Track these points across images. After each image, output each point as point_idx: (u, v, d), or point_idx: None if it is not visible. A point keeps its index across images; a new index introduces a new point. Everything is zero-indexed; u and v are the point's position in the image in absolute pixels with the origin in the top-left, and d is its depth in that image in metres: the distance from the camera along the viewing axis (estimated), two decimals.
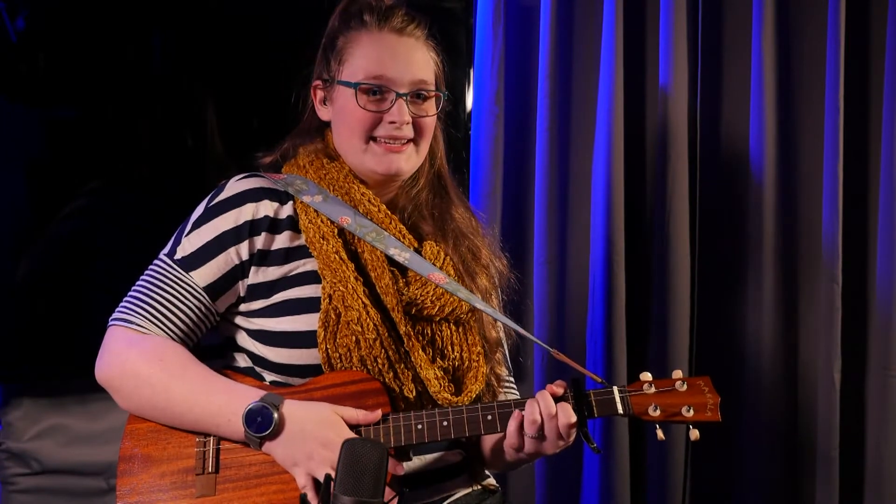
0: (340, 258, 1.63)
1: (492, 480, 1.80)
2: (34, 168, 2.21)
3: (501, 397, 1.80)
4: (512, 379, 1.88)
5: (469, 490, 1.75)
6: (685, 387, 1.58)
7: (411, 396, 1.62)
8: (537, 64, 2.61)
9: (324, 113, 1.77)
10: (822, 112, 2.48)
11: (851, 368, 2.48)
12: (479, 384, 1.70)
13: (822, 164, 2.47)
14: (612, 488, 2.57)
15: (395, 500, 1.42)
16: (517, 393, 1.89)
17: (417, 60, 1.71)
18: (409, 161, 1.71)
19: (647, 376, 1.60)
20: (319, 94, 1.77)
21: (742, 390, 2.57)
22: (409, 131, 1.69)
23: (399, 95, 1.67)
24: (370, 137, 1.69)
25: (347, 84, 1.69)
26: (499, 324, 1.79)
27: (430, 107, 1.73)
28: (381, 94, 1.68)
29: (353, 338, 1.59)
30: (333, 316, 1.60)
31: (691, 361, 2.60)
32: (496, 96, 2.61)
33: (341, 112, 1.72)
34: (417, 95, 1.70)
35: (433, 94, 1.72)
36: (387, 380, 1.61)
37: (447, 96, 1.77)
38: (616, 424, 2.57)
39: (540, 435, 1.57)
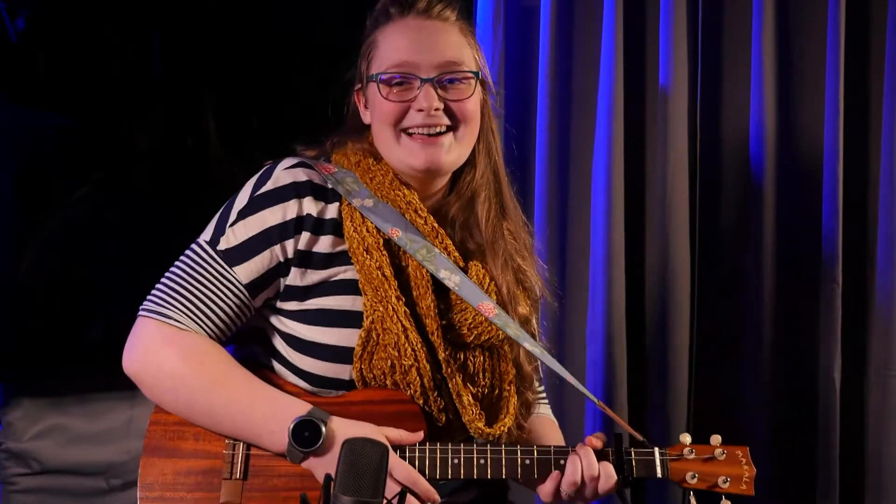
0: (383, 275, 1.55)
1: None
2: (33, 168, 2.21)
3: (535, 410, 1.76)
4: (542, 388, 1.85)
5: (475, 494, 1.72)
6: (724, 455, 1.57)
7: (440, 423, 1.58)
8: (537, 64, 2.61)
9: (366, 116, 1.69)
10: (822, 112, 2.47)
11: (851, 368, 2.48)
12: (511, 418, 1.63)
13: (822, 164, 2.47)
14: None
15: (396, 500, 1.42)
16: (547, 404, 1.85)
17: (445, 42, 1.61)
18: (451, 153, 1.62)
19: (686, 439, 1.58)
20: (361, 98, 1.70)
21: (742, 390, 2.57)
22: (442, 118, 1.59)
23: (424, 81, 1.58)
24: (402, 130, 1.61)
25: (371, 78, 1.62)
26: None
27: (465, 90, 1.62)
28: (407, 83, 1.59)
29: (389, 362, 1.54)
30: (374, 336, 1.54)
31: (691, 362, 2.60)
32: (496, 96, 2.60)
33: (373, 109, 1.64)
34: (448, 79, 1.60)
35: (466, 75, 1.61)
36: (417, 405, 1.56)
37: (479, 76, 1.64)
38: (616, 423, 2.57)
39: (577, 493, 1.55)
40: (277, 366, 1.62)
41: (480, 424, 1.58)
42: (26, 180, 2.18)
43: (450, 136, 1.61)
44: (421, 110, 1.59)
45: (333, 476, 1.28)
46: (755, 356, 2.54)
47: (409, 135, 1.61)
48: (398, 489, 1.46)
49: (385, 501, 1.24)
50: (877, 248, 2.46)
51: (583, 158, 2.65)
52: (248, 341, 1.66)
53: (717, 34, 2.61)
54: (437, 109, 1.59)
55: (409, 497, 1.50)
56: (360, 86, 1.70)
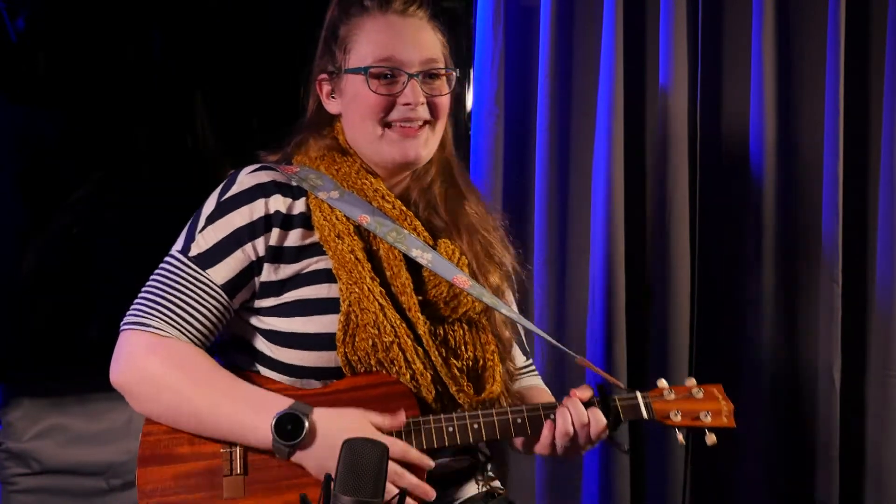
0: (356, 258, 1.59)
1: (497, 483, 1.78)
2: (33, 168, 2.21)
3: (523, 382, 1.80)
4: (530, 362, 1.87)
5: (474, 493, 1.72)
6: (701, 394, 1.64)
7: (430, 397, 1.60)
8: (537, 64, 2.61)
9: (333, 106, 1.72)
10: (821, 112, 2.47)
11: (851, 368, 2.48)
12: (499, 385, 1.67)
13: (822, 163, 2.47)
14: (612, 488, 2.57)
15: (396, 500, 1.43)
16: (538, 377, 1.87)
17: (425, 40, 1.67)
18: (427, 145, 1.67)
19: (664, 383, 1.64)
20: (326, 87, 1.72)
21: (742, 390, 2.57)
22: (423, 112, 1.65)
23: (411, 76, 1.63)
24: (385, 123, 1.65)
25: (356, 71, 1.64)
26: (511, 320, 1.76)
27: (443, 86, 1.68)
28: (393, 77, 1.64)
29: (370, 341, 1.56)
30: (353, 318, 1.57)
31: (691, 361, 2.60)
32: (496, 96, 2.61)
33: (353, 101, 1.67)
34: (429, 75, 1.66)
35: (445, 72, 1.68)
36: (404, 381, 1.58)
37: (458, 74, 1.71)
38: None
39: (572, 443, 1.58)
40: (263, 368, 1.63)
41: (471, 392, 1.62)
42: (26, 180, 2.19)
43: (427, 129, 1.67)
44: (407, 104, 1.63)
45: (333, 476, 1.28)
46: (755, 356, 2.54)
47: (391, 127, 1.65)
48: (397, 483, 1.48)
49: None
50: (877, 248, 2.47)
51: (583, 158, 2.65)
52: (230, 350, 1.67)
53: (717, 34, 2.62)
54: (420, 104, 1.64)
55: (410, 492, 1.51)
56: (325, 76, 1.72)
